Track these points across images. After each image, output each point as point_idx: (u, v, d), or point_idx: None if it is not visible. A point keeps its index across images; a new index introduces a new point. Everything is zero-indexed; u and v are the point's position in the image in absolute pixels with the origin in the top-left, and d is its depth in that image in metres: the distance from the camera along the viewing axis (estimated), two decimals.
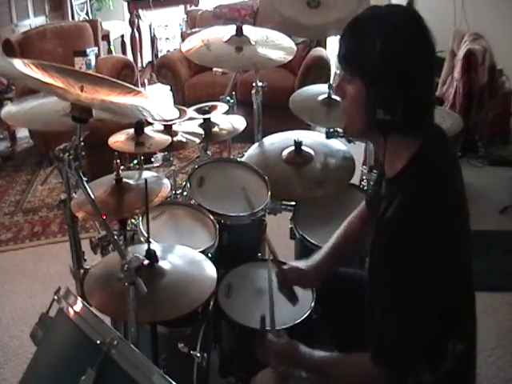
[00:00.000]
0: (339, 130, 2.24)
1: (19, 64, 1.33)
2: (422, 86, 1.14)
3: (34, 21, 5.25)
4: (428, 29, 1.14)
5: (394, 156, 1.20)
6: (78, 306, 1.23)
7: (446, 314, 1.16)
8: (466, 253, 1.22)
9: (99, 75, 1.55)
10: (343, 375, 1.26)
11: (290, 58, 2.22)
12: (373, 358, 1.17)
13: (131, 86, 1.50)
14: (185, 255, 1.63)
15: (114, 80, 1.52)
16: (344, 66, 1.19)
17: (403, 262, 1.11)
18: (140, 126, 2.08)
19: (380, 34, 1.09)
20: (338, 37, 1.20)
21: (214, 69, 4.38)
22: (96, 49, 4.54)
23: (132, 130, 2.10)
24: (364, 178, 2.50)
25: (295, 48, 2.29)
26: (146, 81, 5.79)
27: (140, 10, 5.65)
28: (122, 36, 5.95)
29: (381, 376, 1.16)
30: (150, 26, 5.86)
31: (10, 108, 1.78)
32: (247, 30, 2.27)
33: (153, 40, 5.90)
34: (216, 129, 2.34)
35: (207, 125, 2.31)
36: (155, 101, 1.49)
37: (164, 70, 4.56)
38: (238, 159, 2.35)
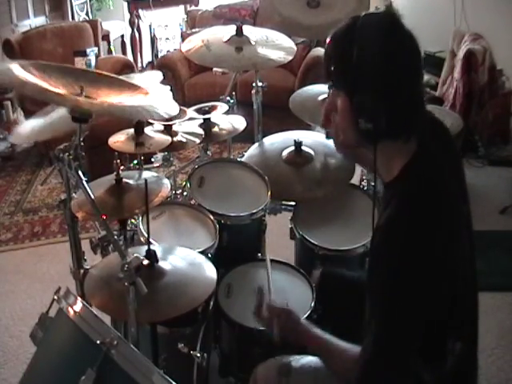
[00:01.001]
0: None
1: (17, 69, 1.32)
2: (405, 92, 1.14)
3: (34, 21, 5.25)
4: (407, 32, 1.13)
5: (389, 161, 1.19)
6: (78, 305, 1.23)
7: (440, 316, 1.15)
8: (464, 256, 1.20)
9: (99, 71, 1.55)
10: (334, 364, 1.28)
11: (290, 58, 2.22)
12: (364, 358, 1.16)
13: (129, 81, 1.50)
14: (185, 255, 1.63)
15: (113, 75, 1.52)
16: (329, 79, 1.20)
17: (393, 268, 1.10)
18: (140, 126, 2.08)
19: (356, 46, 1.10)
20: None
21: (214, 69, 4.37)
22: (96, 49, 4.54)
23: (132, 130, 2.10)
24: (364, 178, 2.50)
25: (295, 48, 2.29)
26: None
27: (140, 10, 5.65)
28: (122, 36, 5.95)
29: (371, 376, 1.16)
30: (150, 26, 5.86)
31: (18, 132, 1.79)
32: (247, 30, 2.27)
33: (153, 40, 5.89)
34: (216, 129, 2.34)
35: (207, 125, 2.31)
36: (155, 98, 1.48)
37: (164, 70, 4.54)
38: (238, 159, 2.35)
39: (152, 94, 1.49)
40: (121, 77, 1.52)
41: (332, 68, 1.18)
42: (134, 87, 1.47)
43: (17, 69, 1.32)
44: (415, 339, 1.13)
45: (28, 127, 1.73)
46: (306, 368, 1.41)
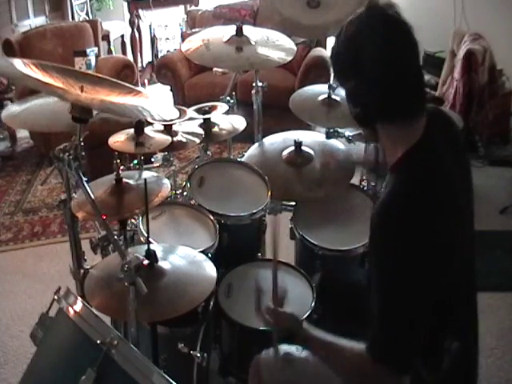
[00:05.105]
0: (339, 129, 2.24)
1: (19, 64, 1.33)
2: (389, 78, 1.14)
3: (34, 21, 5.25)
4: (394, 21, 1.15)
5: (394, 146, 1.21)
6: (78, 305, 1.23)
7: (438, 310, 1.15)
8: (459, 252, 1.20)
9: (99, 75, 1.55)
10: (341, 366, 1.25)
11: (290, 58, 2.22)
12: (368, 351, 1.15)
13: (131, 86, 1.50)
14: (185, 255, 1.63)
15: (114, 80, 1.52)
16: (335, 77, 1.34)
17: (383, 257, 1.12)
18: (140, 126, 2.08)
19: (343, 37, 1.19)
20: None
21: (214, 69, 4.37)
22: (96, 49, 4.55)
23: (132, 130, 2.10)
24: (364, 177, 2.50)
25: (295, 49, 2.28)
26: (146, 81, 5.79)
27: (140, 10, 5.65)
28: (122, 36, 5.95)
29: (378, 371, 1.14)
30: (150, 26, 5.86)
31: (10, 110, 1.77)
32: (247, 30, 2.26)
33: (153, 40, 5.89)
34: (216, 129, 2.34)
35: (207, 125, 2.31)
36: (155, 101, 1.48)
37: (164, 70, 4.56)
38: (238, 159, 2.35)
39: (152, 97, 1.49)
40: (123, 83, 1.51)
41: (335, 65, 1.25)
42: (134, 91, 1.47)
43: (19, 64, 1.33)
44: (416, 325, 1.13)
45: (22, 111, 1.70)
46: (309, 357, 1.41)
